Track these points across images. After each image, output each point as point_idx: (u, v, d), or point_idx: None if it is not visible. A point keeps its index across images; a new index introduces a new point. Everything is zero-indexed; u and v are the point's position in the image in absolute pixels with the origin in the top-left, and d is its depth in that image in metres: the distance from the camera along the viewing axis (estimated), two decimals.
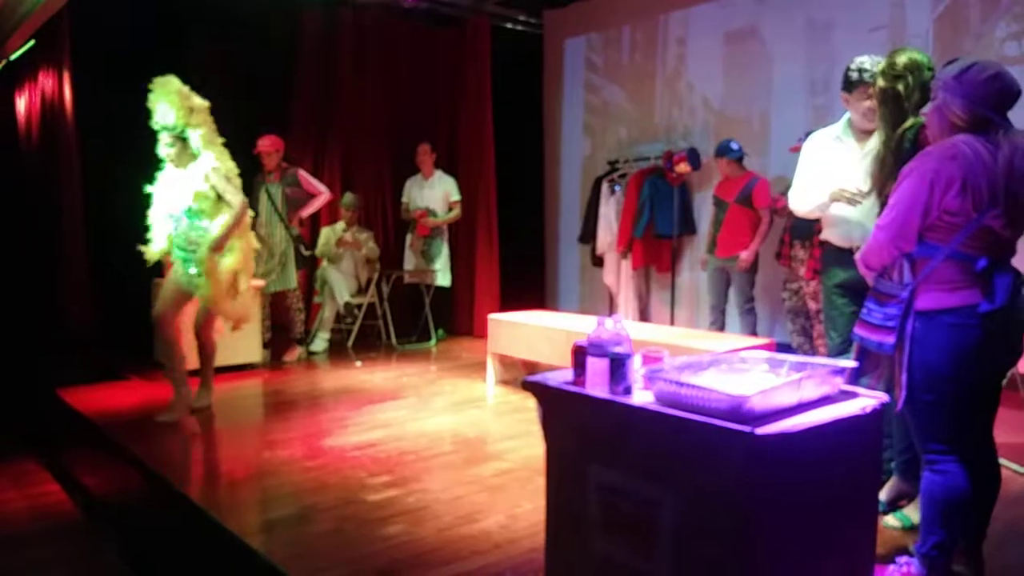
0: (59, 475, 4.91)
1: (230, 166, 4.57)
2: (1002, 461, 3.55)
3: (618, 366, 2.09)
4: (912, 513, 3.01)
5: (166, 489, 3.59)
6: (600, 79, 7.95)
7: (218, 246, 4.44)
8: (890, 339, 2.36)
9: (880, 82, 2.74)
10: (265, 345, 6.24)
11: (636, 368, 2.14)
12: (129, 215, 6.46)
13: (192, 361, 4.84)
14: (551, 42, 8.43)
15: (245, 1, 6.38)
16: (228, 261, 4.55)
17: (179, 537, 3.52)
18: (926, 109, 2.51)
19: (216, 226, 4.46)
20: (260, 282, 6.08)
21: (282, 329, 6.53)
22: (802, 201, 3.32)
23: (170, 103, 4.37)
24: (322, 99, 7.44)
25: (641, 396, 2.09)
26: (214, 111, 6.60)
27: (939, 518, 2.38)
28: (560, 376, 2.30)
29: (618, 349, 2.11)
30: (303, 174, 6.40)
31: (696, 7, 7.00)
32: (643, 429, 1.99)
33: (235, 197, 4.50)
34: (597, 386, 2.13)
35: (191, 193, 4.42)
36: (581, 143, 8.15)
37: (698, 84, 7.05)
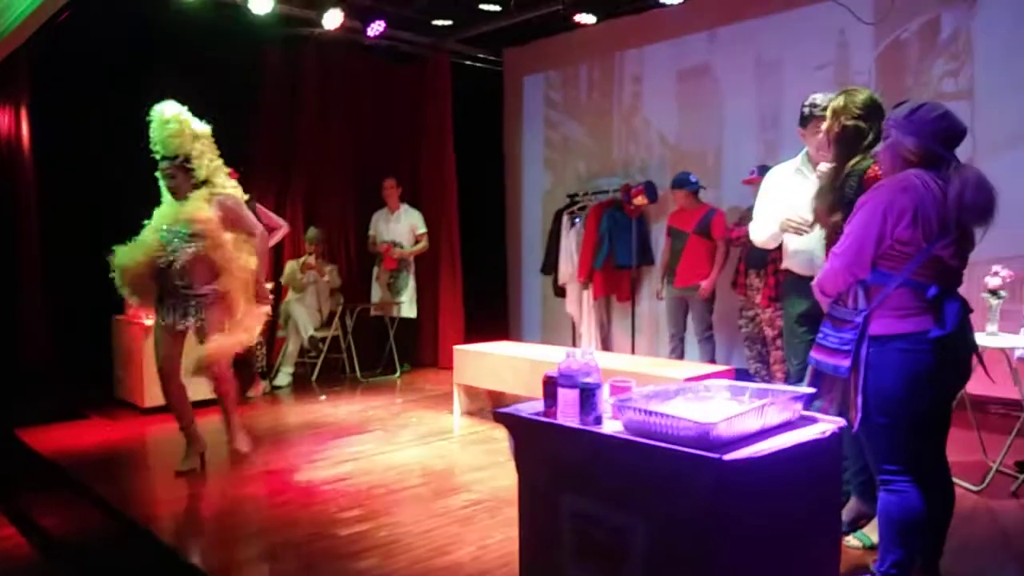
0: (14, 518, 4.80)
1: (240, 194, 4.42)
2: (954, 479, 3.71)
3: (588, 396, 2.17)
4: (871, 533, 3.11)
5: (131, 529, 3.56)
6: (559, 115, 8.13)
7: (265, 275, 4.29)
8: (846, 362, 2.47)
9: (841, 119, 2.88)
10: None
11: (605, 398, 2.22)
12: (87, 250, 6.44)
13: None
14: (511, 79, 8.61)
15: (206, 36, 6.41)
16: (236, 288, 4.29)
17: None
18: (878, 148, 2.66)
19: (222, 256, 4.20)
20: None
21: (244, 363, 6.48)
22: (758, 231, 3.49)
23: (171, 131, 4.17)
24: (284, 134, 7.48)
25: (611, 425, 2.16)
26: None
27: (896, 537, 2.48)
28: (531, 407, 2.37)
29: (588, 380, 2.19)
30: (260, 208, 6.41)
31: (650, 46, 7.23)
32: (614, 457, 2.07)
33: (256, 224, 4.37)
34: (568, 416, 2.20)
35: (192, 218, 4.13)
36: (541, 177, 8.31)
37: (654, 120, 7.25)
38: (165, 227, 4.19)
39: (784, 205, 3.33)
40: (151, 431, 5.33)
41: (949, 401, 2.60)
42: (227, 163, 6.36)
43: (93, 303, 6.25)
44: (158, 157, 4.23)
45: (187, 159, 4.19)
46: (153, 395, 5.58)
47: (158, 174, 4.27)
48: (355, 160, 7.89)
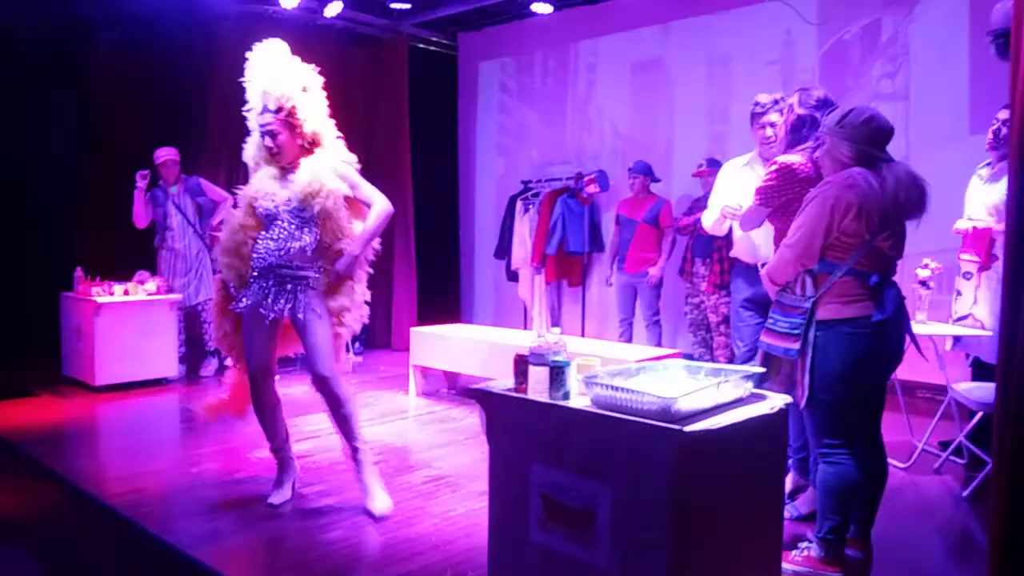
0: None
1: (352, 157, 3.50)
2: None
3: (558, 373, 2.32)
4: (801, 506, 3.35)
5: (92, 505, 3.57)
6: (513, 101, 8.24)
7: (364, 248, 3.36)
8: (795, 345, 2.68)
9: (796, 111, 3.10)
10: (180, 360, 6.17)
11: (573, 375, 2.37)
12: (34, 227, 6.33)
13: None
14: (465, 64, 8.67)
15: (157, 12, 6.32)
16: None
17: (107, 553, 3.50)
18: (818, 153, 2.87)
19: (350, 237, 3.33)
20: (177, 295, 6.04)
21: (195, 342, 6.47)
22: (707, 219, 3.73)
23: (273, 74, 3.28)
24: (236, 112, 7.38)
25: (579, 400, 2.31)
26: (121, 123, 6.53)
27: (834, 505, 2.71)
28: (502, 384, 2.50)
29: (558, 358, 2.33)
30: (205, 181, 6.38)
31: (605, 37, 7.39)
32: (582, 430, 2.22)
33: (375, 192, 3.42)
34: (538, 392, 2.34)
35: (302, 192, 3.24)
36: (495, 162, 8.42)
37: (607, 110, 7.42)
38: (272, 204, 3.29)
39: (730, 196, 3.56)
40: (102, 410, 5.29)
41: (885, 381, 2.85)
42: (179, 140, 6.38)
43: (39, 279, 6.18)
44: (254, 111, 3.34)
45: (292, 112, 3.25)
46: (104, 373, 5.58)
47: (253, 136, 3.41)
48: None
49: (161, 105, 6.73)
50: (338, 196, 3.27)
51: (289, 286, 3.29)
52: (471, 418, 4.88)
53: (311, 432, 4.67)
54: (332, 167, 3.31)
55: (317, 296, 3.32)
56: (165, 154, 6.08)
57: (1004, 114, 3.75)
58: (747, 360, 3.55)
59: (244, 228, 3.38)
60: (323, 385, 3.31)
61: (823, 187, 2.69)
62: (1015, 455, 2.05)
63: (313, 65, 3.44)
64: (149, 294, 5.85)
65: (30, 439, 4.51)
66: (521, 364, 2.40)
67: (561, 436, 2.27)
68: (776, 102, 3.53)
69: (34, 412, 5.12)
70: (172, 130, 6.59)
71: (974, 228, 3.85)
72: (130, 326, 5.69)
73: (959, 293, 4.21)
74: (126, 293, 5.76)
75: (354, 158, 3.48)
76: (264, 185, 3.33)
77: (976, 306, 4.06)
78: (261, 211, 3.32)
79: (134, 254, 6.17)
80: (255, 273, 3.33)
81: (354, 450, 3.41)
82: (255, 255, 3.32)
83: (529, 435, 2.36)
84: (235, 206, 3.52)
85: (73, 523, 3.78)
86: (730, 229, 3.75)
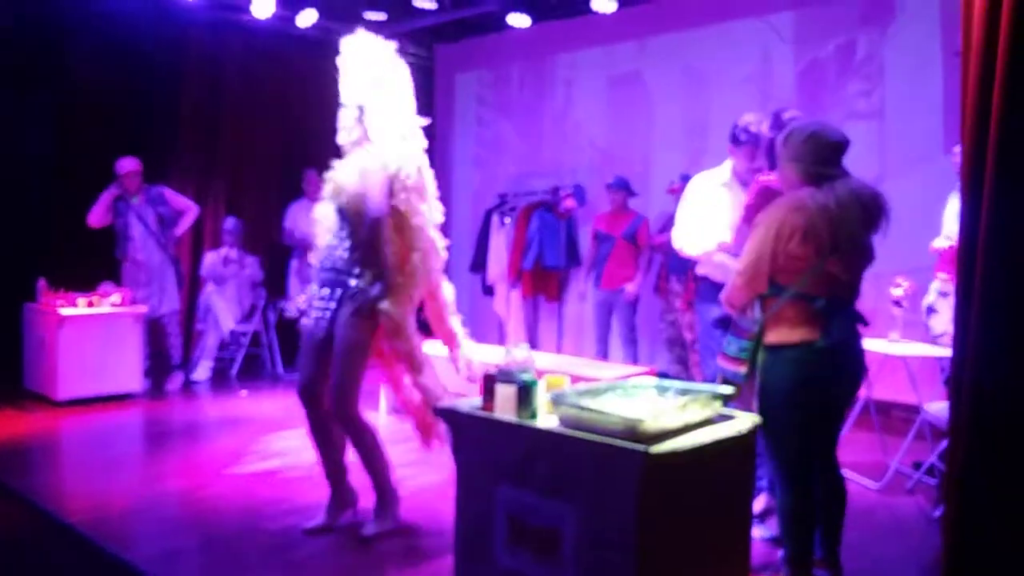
0: None
1: (420, 160, 3.33)
2: (853, 476, 3.95)
3: (525, 392, 2.26)
4: (772, 527, 3.30)
5: (51, 524, 3.46)
6: (491, 114, 8.21)
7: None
8: (743, 369, 2.64)
9: (766, 132, 3.13)
10: (145, 374, 6.04)
11: (541, 393, 2.31)
12: None
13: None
14: (442, 76, 8.64)
15: (128, 20, 6.24)
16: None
17: (66, 573, 3.38)
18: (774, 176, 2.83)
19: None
20: (142, 308, 5.92)
21: (160, 355, 6.33)
22: (690, 245, 3.51)
23: (345, 69, 3.28)
24: (207, 121, 7.32)
25: (546, 420, 2.26)
26: (88, 132, 6.40)
27: (793, 529, 2.66)
28: (469, 403, 2.44)
29: (526, 376, 2.28)
30: (168, 191, 6.28)
31: (582, 51, 7.38)
32: (548, 450, 2.16)
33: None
34: (506, 411, 2.28)
35: (338, 186, 3.17)
36: (472, 175, 8.37)
37: (584, 124, 7.41)
38: (330, 196, 3.24)
39: (716, 219, 3.42)
40: (64, 424, 5.15)
41: (838, 406, 2.72)
42: (147, 150, 6.27)
43: (2, 290, 6.03)
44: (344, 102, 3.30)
45: (362, 110, 3.22)
46: (67, 387, 5.45)
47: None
48: (279, 151, 7.77)
49: (130, 113, 6.62)
50: (357, 196, 3.10)
51: (334, 291, 3.16)
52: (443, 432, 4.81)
53: (279, 449, 4.57)
54: (366, 165, 3.15)
55: (356, 312, 3.10)
56: (128, 165, 5.97)
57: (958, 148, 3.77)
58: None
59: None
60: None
61: (769, 211, 2.61)
62: (965, 465, 2.06)
63: (400, 59, 3.35)
64: (113, 306, 5.73)
65: None
66: (489, 382, 2.35)
67: (527, 456, 2.21)
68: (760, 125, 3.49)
69: None
70: (141, 138, 6.49)
71: (950, 247, 3.84)
72: (94, 339, 5.56)
73: (931, 310, 4.22)
74: (90, 305, 5.63)
75: (416, 156, 3.28)
76: (334, 175, 3.26)
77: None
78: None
79: (99, 265, 6.04)
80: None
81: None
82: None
83: (496, 455, 2.30)
84: None
85: (32, 541, 3.64)
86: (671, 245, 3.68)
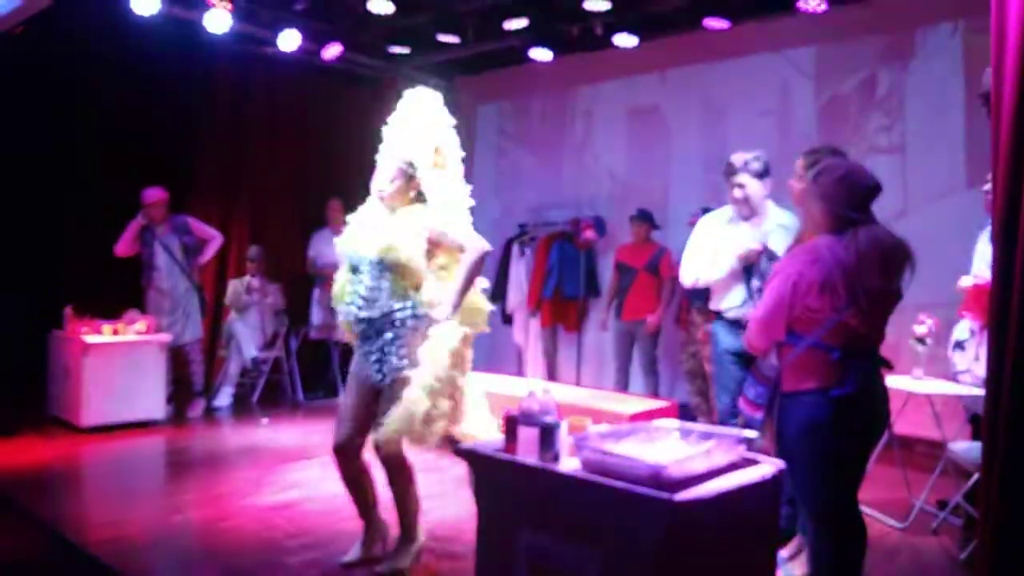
0: None
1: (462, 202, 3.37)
2: (877, 515, 3.90)
3: (547, 435, 2.26)
4: (796, 568, 3.27)
5: (72, 552, 3.49)
6: (511, 145, 8.28)
7: (459, 299, 3.14)
8: (759, 415, 2.63)
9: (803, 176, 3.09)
10: (168, 400, 6.09)
11: (563, 436, 2.31)
12: (24, 264, 6.29)
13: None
14: (464, 107, 8.71)
15: (156, 51, 6.36)
16: (451, 337, 3.08)
17: None
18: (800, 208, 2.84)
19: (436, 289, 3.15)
20: (167, 336, 5.98)
21: (182, 383, 6.39)
22: (687, 274, 3.72)
23: (393, 122, 3.34)
24: (232, 151, 7.43)
25: (568, 463, 2.26)
26: (114, 161, 6.52)
27: (819, 572, 2.62)
28: (491, 443, 2.45)
29: (548, 419, 2.28)
30: (193, 220, 6.37)
31: (603, 83, 7.44)
32: (571, 495, 2.16)
33: (471, 235, 3.25)
34: (527, 453, 2.29)
35: (388, 246, 3.11)
36: (492, 205, 8.41)
37: (604, 155, 7.45)
38: (354, 249, 3.23)
39: (713, 253, 3.56)
40: (87, 451, 5.20)
41: (857, 453, 2.65)
42: (172, 179, 6.36)
43: (29, 317, 6.12)
44: (388, 147, 3.33)
45: (411, 164, 3.23)
46: (91, 413, 5.50)
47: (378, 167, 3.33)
48: (303, 180, 7.86)
49: (156, 144, 6.74)
50: (410, 252, 3.11)
51: (381, 336, 3.12)
52: (460, 467, 4.80)
53: (298, 480, 4.58)
54: (420, 222, 3.18)
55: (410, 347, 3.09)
56: (154, 195, 6.06)
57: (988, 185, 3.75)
58: (733, 414, 3.51)
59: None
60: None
61: (788, 259, 2.59)
62: (1002, 510, 2.02)
63: (451, 121, 3.41)
64: (138, 333, 5.80)
65: (12, 481, 4.43)
66: (511, 424, 2.35)
67: (549, 500, 2.21)
68: (746, 163, 3.57)
69: (18, 452, 5.02)
70: (167, 168, 6.59)
71: (975, 285, 3.78)
72: (118, 366, 5.62)
73: (958, 346, 4.17)
74: (115, 332, 5.70)
75: (460, 199, 3.33)
76: (360, 225, 3.28)
77: (977, 362, 4.02)
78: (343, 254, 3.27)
79: (125, 293, 6.13)
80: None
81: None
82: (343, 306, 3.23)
83: (517, 498, 2.30)
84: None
85: (53, 570, 3.67)
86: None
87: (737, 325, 3.51)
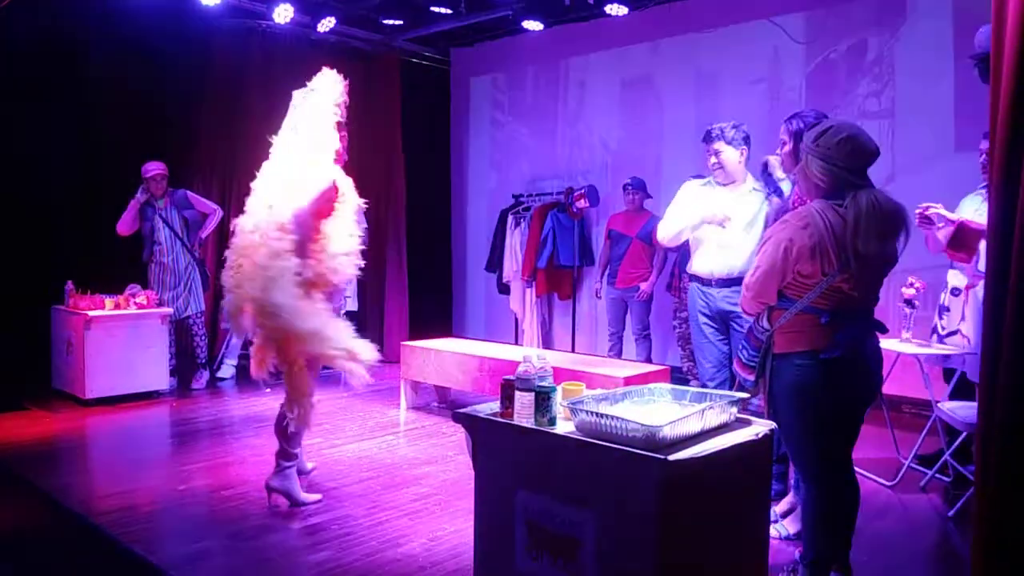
0: None
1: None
2: (867, 474, 4.01)
3: (544, 399, 2.34)
4: (789, 525, 3.37)
5: (78, 523, 3.57)
6: (505, 116, 8.28)
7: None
8: (751, 376, 2.71)
9: (785, 139, 3.21)
10: (171, 372, 6.16)
11: (559, 400, 2.39)
12: (25, 240, 6.32)
13: None
14: (458, 79, 8.72)
15: (150, 27, 6.34)
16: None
17: (91, 573, 3.49)
18: (794, 173, 2.87)
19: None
20: (168, 308, 6.04)
21: (185, 355, 6.47)
22: (663, 229, 3.85)
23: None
24: (228, 126, 7.42)
25: (564, 426, 2.34)
26: (113, 136, 6.53)
27: (812, 531, 2.72)
28: (488, 408, 2.53)
29: (543, 383, 2.36)
30: (192, 194, 6.40)
31: (595, 54, 7.44)
32: (567, 457, 2.24)
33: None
34: (524, 417, 2.37)
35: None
36: (487, 176, 8.46)
37: (597, 125, 7.47)
38: None
39: (689, 209, 3.74)
40: (92, 423, 5.29)
41: (849, 414, 2.69)
42: (170, 154, 6.37)
43: (31, 292, 6.17)
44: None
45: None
46: (94, 386, 5.58)
47: None
48: None
49: (153, 118, 6.74)
50: None
51: None
52: (462, 432, 4.91)
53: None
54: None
55: None
56: (154, 168, 6.08)
57: (985, 144, 3.73)
58: (712, 378, 3.62)
59: None
60: None
61: (780, 225, 2.62)
62: (999, 472, 2.06)
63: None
64: (140, 307, 5.85)
65: (18, 454, 4.51)
66: (507, 389, 2.43)
67: (546, 462, 2.29)
68: (722, 131, 3.73)
69: (23, 426, 5.11)
70: (164, 143, 6.60)
71: (961, 221, 3.68)
72: (121, 339, 5.69)
73: (946, 308, 4.25)
74: (117, 306, 5.76)
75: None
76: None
77: (964, 322, 4.10)
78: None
79: (126, 267, 6.17)
80: None
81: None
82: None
83: (515, 460, 2.38)
84: None
85: (59, 541, 3.76)
86: (686, 244, 3.88)
87: (709, 285, 3.70)
